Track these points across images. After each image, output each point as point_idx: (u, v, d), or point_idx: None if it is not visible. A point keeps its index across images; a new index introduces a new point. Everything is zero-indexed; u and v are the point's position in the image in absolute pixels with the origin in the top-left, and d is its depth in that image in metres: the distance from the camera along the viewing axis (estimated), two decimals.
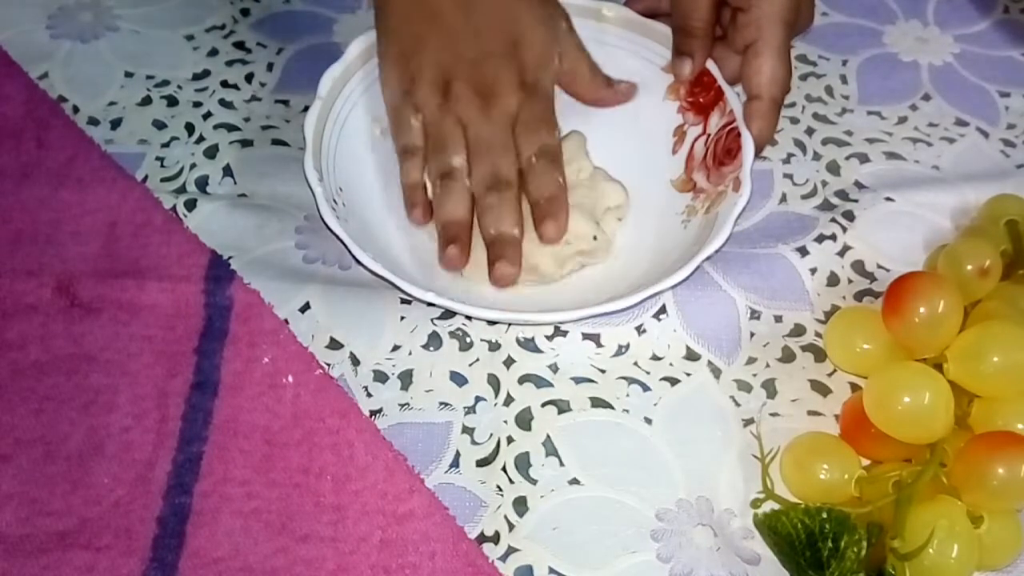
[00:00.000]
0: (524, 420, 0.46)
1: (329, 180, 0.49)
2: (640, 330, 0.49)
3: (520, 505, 0.43)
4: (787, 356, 0.48)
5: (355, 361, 0.47)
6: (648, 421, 0.46)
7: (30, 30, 0.61)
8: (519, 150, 0.49)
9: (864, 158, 0.57)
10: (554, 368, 0.47)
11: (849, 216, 0.53)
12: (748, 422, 0.46)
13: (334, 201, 0.48)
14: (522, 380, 0.47)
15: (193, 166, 0.54)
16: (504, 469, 0.44)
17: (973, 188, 0.54)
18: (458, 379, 0.47)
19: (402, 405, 0.46)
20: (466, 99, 0.49)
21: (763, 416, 0.46)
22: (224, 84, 0.59)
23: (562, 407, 0.46)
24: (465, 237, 0.48)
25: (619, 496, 0.43)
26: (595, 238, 0.49)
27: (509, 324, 0.48)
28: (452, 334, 0.48)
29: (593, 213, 0.50)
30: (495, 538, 0.42)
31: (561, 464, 0.44)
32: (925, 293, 0.43)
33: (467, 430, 0.45)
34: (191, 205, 0.52)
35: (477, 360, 0.47)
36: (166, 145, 0.56)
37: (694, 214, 0.51)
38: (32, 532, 0.42)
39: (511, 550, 0.42)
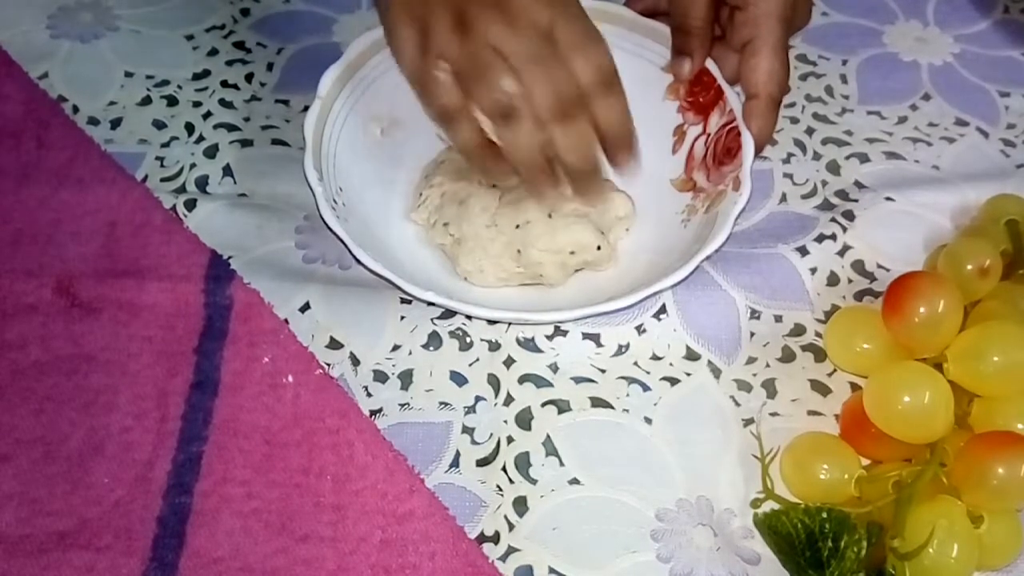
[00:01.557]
0: (524, 420, 0.46)
1: (329, 180, 0.49)
2: (640, 330, 0.49)
3: (520, 505, 0.43)
4: (787, 356, 0.48)
5: (355, 361, 0.47)
6: (648, 421, 0.46)
7: (30, 30, 0.61)
8: (572, 64, 0.43)
9: (864, 158, 0.57)
10: (554, 368, 0.47)
11: (849, 216, 0.53)
12: (748, 422, 0.46)
13: (334, 201, 0.48)
14: (522, 380, 0.47)
15: (193, 166, 0.55)
16: (504, 469, 0.44)
17: (973, 188, 0.54)
18: (458, 379, 0.47)
19: (402, 405, 0.46)
20: (489, 21, 0.42)
21: (763, 416, 0.46)
22: (224, 84, 0.59)
23: (562, 407, 0.46)
24: (551, 173, 0.44)
25: (619, 496, 0.43)
26: (599, 248, 0.49)
27: (509, 324, 0.48)
28: (452, 334, 0.48)
29: (600, 224, 0.50)
30: (495, 538, 0.42)
31: (561, 464, 0.44)
32: (925, 293, 0.43)
33: (467, 430, 0.45)
34: (191, 205, 0.52)
35: (477, 360, 0.47)
36: (166, 145, 0.56)
37: (694, 213, 0.51)
38: (32, 532, 0.42)
39: (511, 550, 0.42)
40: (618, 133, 0.45)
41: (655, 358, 0.48)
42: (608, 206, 0.51)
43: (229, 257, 0.50)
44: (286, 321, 0.48)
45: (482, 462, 0.44)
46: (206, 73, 0.60)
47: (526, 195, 0.49)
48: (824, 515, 0.40)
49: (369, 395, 0.46)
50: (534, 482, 0.44)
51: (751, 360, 0.48)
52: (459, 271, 0.49)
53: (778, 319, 0.49)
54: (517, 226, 0.49)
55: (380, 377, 0.47)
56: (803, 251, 0.52)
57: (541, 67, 0.42)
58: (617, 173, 0.46)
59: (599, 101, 0.44)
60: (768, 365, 0.48)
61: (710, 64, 0.52)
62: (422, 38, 0.43)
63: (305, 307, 0.48)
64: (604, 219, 0.50)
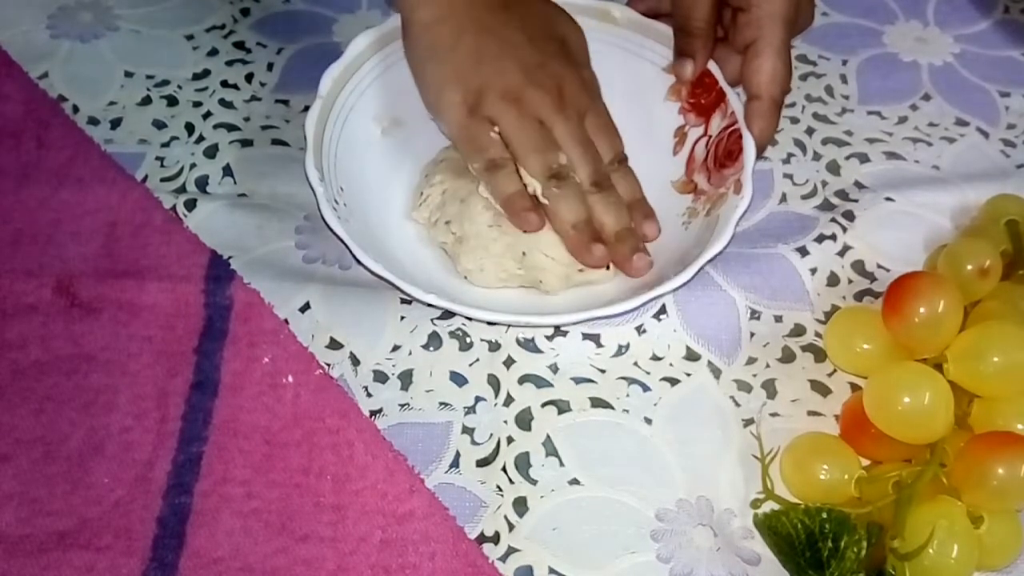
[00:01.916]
0: (524, 420, 0.46)
1: (330, 180, 0.49)
2: (640, 330, 0.49)
3: (520, 505, 0.43)
4: (787, 356, 0.48)
5: (355, 361, 0.47)
6: (648, 421, 0.46)
7: (30, 30, 0.61)
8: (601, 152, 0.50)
9: (864, 158, 0.57)
10: (554, 368, 0.47)
11: (849, 216, 0.53)
12: (748, 422, 0.46)
13: (335, 201, 0.48)
14: (522, 380, 0.47)
15: (193, 166, 0.54)
16: (504, 469, 0.44)
17: (973, 188, 0.54)
18: (458, 379, 0.47)
19: (402, 405, 0.46)
20: (542, 102, 0.49)
21: (763, 416, 0.46)
22: (224, 84, 0.59)
23: (562, 407, 0.46)
24: (597, 232, 0.49)
25: (619, 496, 0.43)
26: (608, 267, 0.49)
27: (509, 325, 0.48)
28: (452, 334, 0.48)
29: None
30: (495, 538, 0.42)
31: (561, 464, 0.44)
32: (925, 293, 0.43)
33: (467, 430, 0.45)
34: (191, 205, 0.52)
35: (477, 360, 0.47)
36: (166, 145, 0.56)
37: (695, 216, 0.51)
38: (32, 532, 0.42)
39: (511, 550, 0.42)
40: (636, 200, 0.51)
41: (655, 358, 0.48)
42: None
43: (229, 257, 0.50)
44: (286, 321, 0.48)
45: (482, 462, 0.44)
46: (206, 73, 0.60)
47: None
48: (824, 515, 0.40)
49: (369, 395, 0.46)
50: (534, 482, 0.44)
51: (751, 360, 0.48)
52: (460, 269, 0.49)
53: (778, 319, 0.49)
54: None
55: (380, 377, 0.47)
56: (803, 251, 0.52)
57: (582, 146, 0.49)
58: (648, 240, 0.50)
59: (617, 176, 0.51)
60: (768, 365, 0.48)
61: (712, 66, 0.52)
62: (473, 101, 0.49)
63: (305, 307, 0.48)
64: None
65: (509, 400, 0.46)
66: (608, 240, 0.49)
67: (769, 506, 0.42)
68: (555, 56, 0.50)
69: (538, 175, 0.48)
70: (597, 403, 0.46)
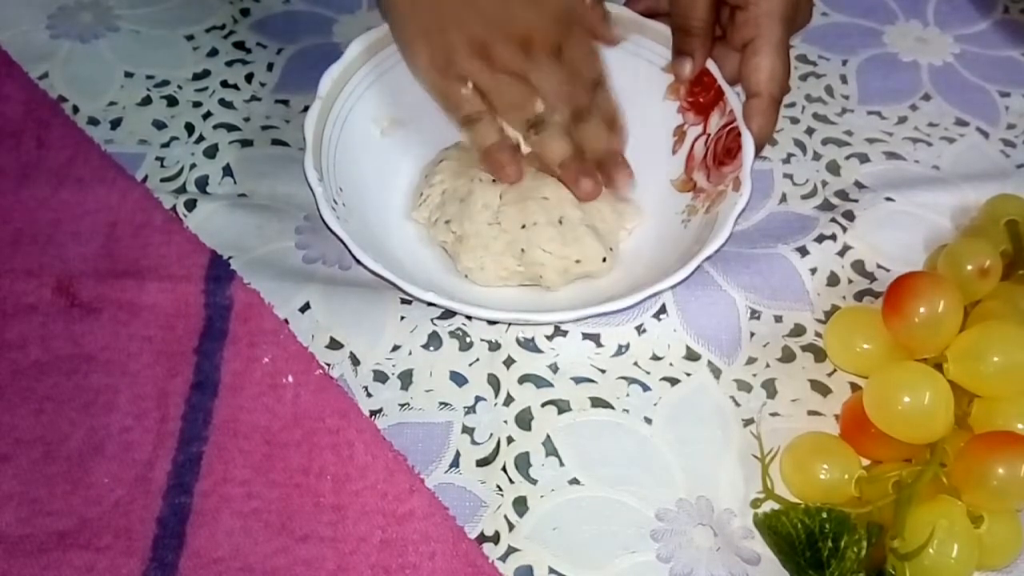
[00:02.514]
0: (524, 420, 0.46)
1: (329, 180, 0.49)
2: (640, 330, 0.49)
3: (520, 505, 0.43)
4: (787, 356, 0.48)
5: (355, 361, 0.47)
6: (648, 421, 0.46)
7: (30, 30, 0.61)
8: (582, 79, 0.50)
9: (864, 158, 0.57)
10: (554, 368, 0.47)
11: (849, 216, 0.53)
12: (748, 422, 0.46)
13: (334, 201, 0.48)
14: (522, 380, 0.47)
15: (193, 166, 0.55)
16: (504, 469, 0.44)
17: (973, 188, 0.54)
18: (458, 379, 0.47)
19: (402, 405, 0.46)
20: (511, 54, 0.48)
21: (763, 416, 0.46)
22: (224, 84, 0.59)
23: (562, 407, 0.46)
24: (589, 167, 0.50)
25: (619, 496, 0.43)
26: (604, 260, 0.49)
27: (509, 324, 0.48)
28: (452, 334, 0.48)
29: (607, 238, 0.50)
30: (495, 538, 0.42)
31: (561, 464, 0.44)
32: (925, 293, 0.43)
33: (467, 430, 0.45)
34: (191, 205, 0.52)
35: (477, 360, 0.47)
36: (166, 145, 0.56)
37: (694, 214, 0.51)
38: (32, 532, 0.42)
39: (511, 550, 0.42)
40: (614, 117, 0.51)
41: (655, 358, 0.48)
42: (619, 219, 0.51)
43: (229, 257, 0.50)
44: (286, 321, 0.48)
45: (482, 462, 0.44)
46: (206, 73, 0.60)
47: (529, 195, 0.49)
48: (824, 515, 0.40)
49: (369, 395, 0.46)
50: (534, 482, 0.44)
51: (751, 360, 0.48)
52: (460, 268, 0.49)
53: (778, 319, 0.49)
54: (523, 226, 0.49)
55: (380, 377, 0.47)
56: (803, 251, 0.52)
57: (557, 88, 0.49)
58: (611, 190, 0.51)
59: (599, 100, 0.50)
60: (768, 365, 0.48)
61: (711, 64, 0.52)
62: (442, 58, 0.48)
63: (305, 307, 0.48)
64: (613, 231, 0.50)
65: (509, 400, 0.46)
66: (600, 169, 0.50)
67: (769, 506, 0.42)
68: (520, 1, 0.49)
69: (517, 128, 0.49)
70: (597, 403, 0.46)
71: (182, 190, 0.53)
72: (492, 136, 0.50)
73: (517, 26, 0.48)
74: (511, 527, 0.42)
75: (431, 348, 0.48)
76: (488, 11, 0.48)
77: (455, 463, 0.44)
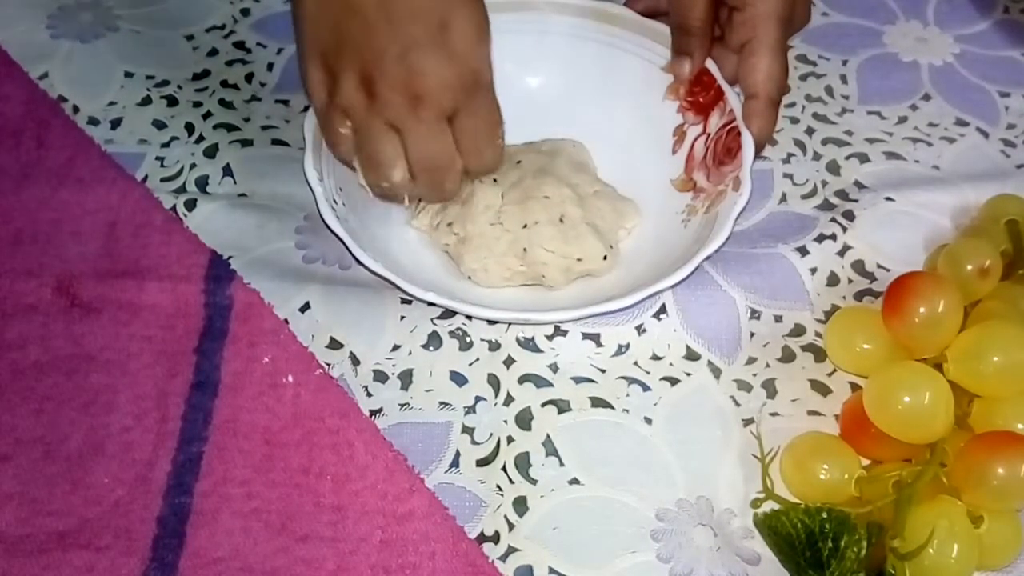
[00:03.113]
0: (524, 420, 0.46)
1: (329, 180, 0.49)
2: (640, 330, 0.49)
3: (520, 505, 0.43)
4: (787, 356, 0.48)
5: (355, 361, 0.47)
6: (648, 421, 0.46)
7: (30, 30, 0.61)
8: (464, 163, 0.46)
9: (864, 158, 0.57)
10: (554, 368, 0.47)
11: (849, 216, 0.53)
12: (748, 422, 0.46)
13: (334, 201, 0.48)
14: (522, 380, 0.47)
15: (193, 166, 0.54)
16: (504, 469, 0.44)
17: (973, 188, 0.54)
18: (458, 379, 0.47)
19: (402, 405, 0.46)
20: (393, 102, 0.43)
21: (763, 416, 0.46)
22: (224, 84, 0.59)
23: (562, 407, 0.46)
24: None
25: (619, 496, 0.43)
26: (605, 258, 0.49)
27: (509, 324, 0.48)
28: (452, 334, 0.48)
29: (608, 236, 0.50)
30: (495, 538, 0.42)
31: (561, 464, 0.44)
32: (925, 293, 0.43)
33: (467, 430, 0.45)
34: (191, 205, 0.52)
35: (477, 360, 0.47)
36: (166, 145, 0.56)
37: (694, 213, 0.51)
38: (32, 532, 0.42)
39: (511, 550, 0.42)
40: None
41: (655, 358, 0.48)
42: (618, 217, 0.51)
43: (229, 257, 0.50)
44: (286, 321, 0.48)
45: (482, 462, 0.44)
46: (206, 73, 0.60)
47: (531, 196, 0.49)
48: (824, 515, 0.40)
49: (369, 395, 0.46)
50: (534, 482, 0.44)
51: (751, 360, 0.48)
52: (463, 270, 0.49)
53: (778, 319, 0.49)
54: (525, 225, 0.49)
55: (380, 377, 0.47)
56: (803, 251, 0.52)
57: (428, 159, 0.45)
58: None
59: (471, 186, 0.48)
60: (768, 365, 0.48)
61: (710, 64, 0.52)
62: (331, 84, 0.44)
63: (305, 307, 0.48)
64: (613, 229, 0.50)
65: (509, 400, 0.46)
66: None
67: (769, 506, 0.42)
68: (422, 45, 0.42)
69: (370, 187, 0.47)
70: (597, 403, 0.46)
71: (182, 190, 0.53)
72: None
73: (409, 75, 0.43)
74: (511, 527, 0.42)
75: (431, 348, 0.48)
76: (384, 49, 0.42)
77: (455, 463, 0.44)
